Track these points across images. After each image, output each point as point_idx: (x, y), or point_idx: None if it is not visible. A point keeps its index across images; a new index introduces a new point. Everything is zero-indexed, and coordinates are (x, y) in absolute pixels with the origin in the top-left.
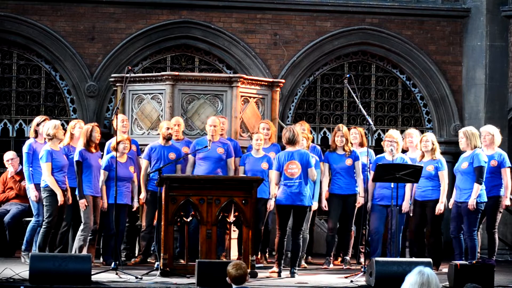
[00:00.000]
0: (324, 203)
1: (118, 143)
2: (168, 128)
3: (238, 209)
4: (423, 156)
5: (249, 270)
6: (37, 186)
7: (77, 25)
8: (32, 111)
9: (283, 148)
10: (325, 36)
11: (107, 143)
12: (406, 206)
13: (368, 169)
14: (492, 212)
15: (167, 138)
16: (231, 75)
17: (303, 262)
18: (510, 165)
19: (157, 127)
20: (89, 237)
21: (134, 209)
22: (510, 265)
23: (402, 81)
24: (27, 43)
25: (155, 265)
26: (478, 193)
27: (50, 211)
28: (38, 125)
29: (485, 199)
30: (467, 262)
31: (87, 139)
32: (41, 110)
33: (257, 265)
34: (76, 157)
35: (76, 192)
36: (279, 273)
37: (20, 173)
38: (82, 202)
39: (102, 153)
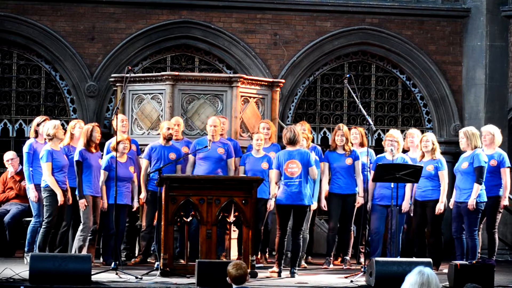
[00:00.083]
0: (324, 202)
1: (118, 143)
2: (168, 128)
3: (238, 209)
4: (423, 156)
5: (249, 270)
6: (37, 187)
7: (77, 25)
8: (32, 111)
9: (283, 148)
10: (325, 36)
11: (107, 143)
12: (406, 206)
13: (369, 169)
14: (492, 212)
15: (168, 138)
16: (231, 75)
17: (303, 262)
18: (509, 165)
19: (157, 127)
20: (89, 237)
21: (134, 209)
22: (510, 265)
23: (402, 81)
24: (27, 43)
25: (155, 265)
26: (478, 193)
27: (50, 211)
28: (38, 125)
29: (485, 199)
30: (467, 262)
31: (87, 139)
32: (41, 110)
33: (257, 265)
34: (76, 157)
35: (76, 192)
36: (279, 273)
37: (20, 173)
38: (82, 202)
39: (102, 153)
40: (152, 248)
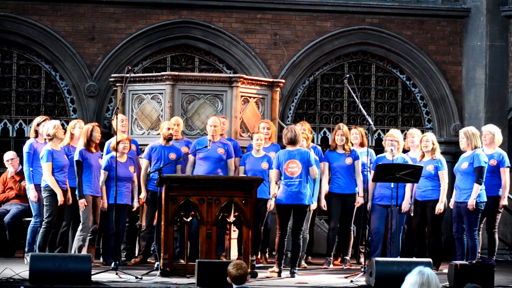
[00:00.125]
0: (323, 202)
1: (118, 143)
2: (169, 129)
3: (238, 209)
4: (423, 156)
5: (249, 270)
6: (37, 187)
7: (77, 25)
8: (32, 111)
9: (283, 148)
10: (325, 36)
11: (107, 143)
12: (406, 205)
13: (369, 169)
14: (492, 212)
15: (168, 139)
16: (231, 75)
17: (303, 262)
18: (509, 165)
19: (157, 127)
20: (89, 237)
21: (135, 209)
22: (510, 265)
23: (402, 81)
24: (27, 43)
25: (155, 265)
26: (477, 193)
27: (50, 211)
28: (38, 125)
29: (485, 199)
30: (467, 262)
31: (88, 139)
32: (41, 110)
33: (257, 265)
34: (76, 156)
35: (76, 192)
36: (279, 273)
37: (20, 173)
38: (81, 202)
39: (102, 153)
40: (152, 248)
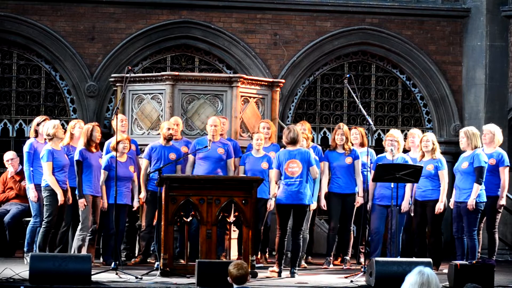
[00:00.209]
0: (323, 202)
1: (118, 143)
2: (169, 129)
3: (238, 209)
4: (423, 156)
5: (249, 270)
6: (37, 187)
7: (77, 25)
8: (32, 111)
9: (282, 148)
10: (325, 36)
11: (106, 143)
12: (405, 205)
13: (369, 169)
14: (492, 212)
15: (168, 139)
16: (231, 75)
17: (303, 262)
18: (508, 164)
19: (157, 127)
20: (88, 237)
21: (135, 208)
22: (510, 265)
23: (402, 81)
24: (27, 43)
25: (155, 265)
26: (477, 193)
27: (50, 211)
28: (38, 125)
29: (485, 199)
30: (467, 262)
31: (88, 138)
32: (41, 110)
33: (257, 265)
34: (76, 156)
35: (76, 192)
36: (279, 273)
37: (20, 173)
38: (81, 202)
39: (102, 153)
40: (151, 248)
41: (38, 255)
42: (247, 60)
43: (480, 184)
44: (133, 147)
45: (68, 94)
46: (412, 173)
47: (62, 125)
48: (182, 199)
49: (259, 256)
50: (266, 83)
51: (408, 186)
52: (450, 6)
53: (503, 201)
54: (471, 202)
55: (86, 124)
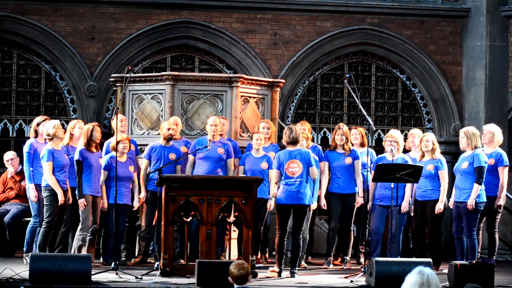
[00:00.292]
0: (323, 202)
1: (117, 143)
2: (169, 129)
3: (238, 209)
4: (423, 156)
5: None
6: (37, 187)
7: (77, 25)
8: (32, 111)
9: (282, 148)
10: (325, 36)
11: (106, 143)
12: (405, 206)
13: (369, 169)
14: (492, 212)
15: (168, 139)
16: (231, 75)
17: (303, 262)
18: (507, 164)
19: (157, 127)
20: (89, 237)
21: (135, 208)
22: (510, 265)
23: (402, 81)
24: (27, 43)
25: (155, 265)
26: (477, 193)
27: (50, 211)
28: (38, 125)
29: (485, 199)
30: (467, 262)
31: (88, 138)
32: (41, 110)
33: (257, 265)
34: (76, 156)
35: (76, 192)
36: (279, 273)
37: (20, 173)
38: (81, 202)
39: (102, 152)
40: (151, 248)
41: (38, 255)
42: (247, 60)
43: (480, 184)
44: (133, 147)
45: (68, 94)
46: (412, 173)
47: (62, 125)
48: (182, 199)
49: (259, 256)
50: (266, 83)
51: (408, 186)
52: (450, 6)
53: (501, 201)
54: (471, 202)
55: (86, 124)
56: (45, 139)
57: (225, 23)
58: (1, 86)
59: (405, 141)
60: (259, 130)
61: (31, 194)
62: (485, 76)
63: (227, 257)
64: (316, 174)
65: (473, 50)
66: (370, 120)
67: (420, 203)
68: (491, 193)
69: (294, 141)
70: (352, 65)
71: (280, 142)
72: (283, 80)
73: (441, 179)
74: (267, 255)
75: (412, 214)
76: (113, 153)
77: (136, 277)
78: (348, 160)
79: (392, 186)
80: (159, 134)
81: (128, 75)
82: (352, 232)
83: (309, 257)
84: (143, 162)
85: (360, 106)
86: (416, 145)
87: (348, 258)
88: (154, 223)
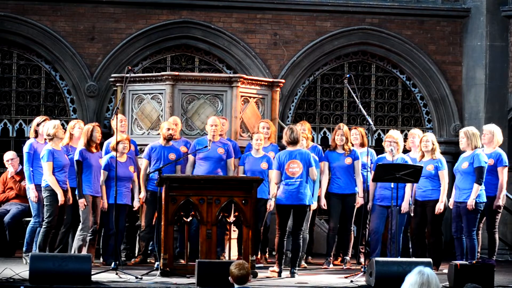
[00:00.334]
0: (324, 201)
1: (117, 143)
2: (168, 129)
3: (238, 209)
4: (423, 156)
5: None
6: (38, 187)
7: (77, 25)
8: (32, 111)
9: (282, 148)
10: (325, 36)
11: (105, 143)
12: (405, 206)
13: (370, 169)
14: (492, 212)
15: (168, 139)
16: (231, 75)
17: (303, 262)
18: (506, 164)
19: (157, 127)
20: (89, 237)
21: (135, 208)
22: (510, 265)
23: (402, 81)
24: (27, 43)
25: (155, 265)
26: (477, 193)
27: (51, 211)
28: (38, 125)
29: (485, 199)
30: (467, 262)
31: (88, 139)
32: (41, 110)
33: (257, 265)
34: (76, 156)
35: (76, 192)
36: (279, 273)
37: (20, 173)
38: (81, 202)
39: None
40: (150, 248)
41: (38, 255)
42: (247, 60)
43: (480, 184)
44: (132, 147)
45: (68, 94)
46: (412, 173)
47: (62, 125)
48: (182, 199)
49: (259, 256)
50: (266, 83)
51: (408, 186)
52: (450, 6)
53: (500, 202)
54: (470, 202)
55: (85, 124)
56: (45, 139)
57: (225, 23)
58: (1, 86)
59: (405, 141)
60: (258, 130)
61: (31, 194)
62: (485, 76)
63: (227, 257)
64: (316, 175)
65: (473, 50)
66: (370, 120)
67: (420, 203)
68: (491, 193)
69: (294, 141)
70: (352, 65)
71: (280, 142)
72: (283, 80)
73: (441, 179)
74: (267, 255)
75: (412, 215)
76: (113, 153)
77: (136, 277)
78: (348, 160)
79: (392, 186)
80: (159, 134)
81: (128, 75)
82: (352, 232)
83: (309, 257)
84: (143, 162)
85: (360, 106)
86: (416, 145)
87: (348, 258)
88: (154, 223)
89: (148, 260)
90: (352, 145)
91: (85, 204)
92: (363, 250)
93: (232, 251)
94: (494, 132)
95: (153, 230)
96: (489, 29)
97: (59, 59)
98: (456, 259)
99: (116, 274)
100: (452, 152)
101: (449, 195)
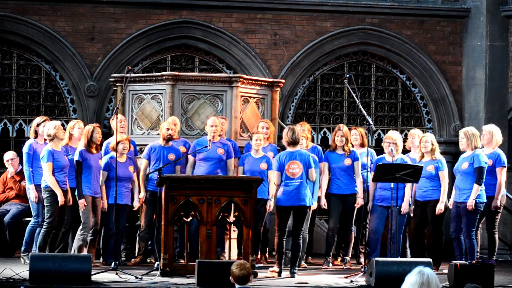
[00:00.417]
0: (324, 201)
1: (117, 143)
2: (168, 129)
3: (238, 209)
4: (422, 156)
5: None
6: (37, 187)
7: (77, 25)
8: (32, 111)
9: (282, 148)
10: (325, 36)
11: (105, 143)
12: (405, 207)
13: (370, 169)
14: (491, 212)
15: (167, 139)
16: (231, 75)
17: (303, 262)
18: (505, 165)
19: (157, 127)
20: (89, 237)
21: (135, 208)
22: (510, 265)
23: (402, 81)
24: (27, 43)
25: (155, 265)
26: (477, 193)
27: (51, 212)
28: (38, 125)
29: (485, 200)
30: (467, 262)
31: (88, 139)
32: (41, 110)
33: (257, 265)
34: (76, 157)
35: (76, 192)
36: (279, 273)
37: (20, 173)
38: (81, 202)
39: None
40: (149, 248)
41: (38, 255)
42: (247, 60)
43: (480, 184)
44: (132, 147)
45: (68, 94)
46: (412, 173)
47: (62, 125)
48: (182, 199)
49: (259, 256)
50: (266, 83)
51: (408, 187)
52: (450, 6)
53: (498, 202)
54: (470, 203)
55: (85, 124)
56: (45, 139)
57: (225, 23)
58: (1, 86)
59: (404, 141)
60: (258, 130)
61: (31, 194)
62: (485, 76)
63: (227, 257)
64: (315, 177)
65: (473, 50)
66: (370, 120)
67: (420, 204)
68: (490, 193)
69: (294, 142)
70: (352, 65)
71: (280, 143)
72: (283, 80)
73: (442, 180)
74: (267, 255)
75: (411, 215)
76: (113, 154)
77: (136, 277)
78: (348, 161)
79: (392, 186)
80: (159, 134)
81: (128, 75)
82: (352, 233)
83: (309, 257)
84: (142, 162)
85: (360, 106)
86: (416, 146)
87: (348, 258)
88: (154, 223)
89: (148, 260)
90: (352, 146)
91: (85, 204)
92: (363, 250)
93: (232, 251)
94: (493, 132)
95: (153, 230)
96: (489, 29)
97: (59, 59)
98: (455, 259)
99: (116, 274)
100: (452, 152)
101: (449, 195)
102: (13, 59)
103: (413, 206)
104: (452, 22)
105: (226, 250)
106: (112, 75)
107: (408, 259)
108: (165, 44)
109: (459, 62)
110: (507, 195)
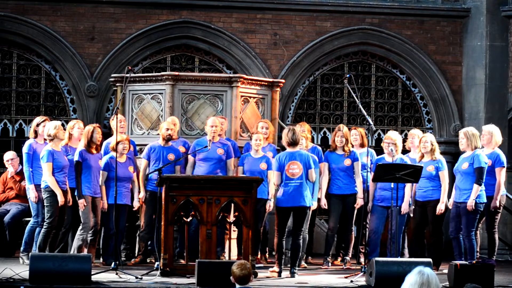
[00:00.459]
0: (324, 201)
1: (117, 144)
2: (168, 129)
3: (238, 209)
4: (422, 156)
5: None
6: (37, 187)
7: (77, 25)
8: (32, 111)
9: (281, 148)
10: (325, 36)
11: (105, 143)
12: (405, 207)
13: (369, 169)
14: (491, 212)
15: (167, 139)
16: (231, 75)
17: (303, 262)
18: (504, 165)
19: (157, 127)
20: (89, 237)
21: (135, 208)
22: (510, 265)
23: (402, 81)
24: (27, 43)
25: (155, 265)
26: (477, 193)
27: (51, 212)
28: (38, 125)
29: (485, 200)
30: (467, 262)
31: (88, 140)
32: (41, 110)
33: (257, 265)
34: (76, 157)
35: (76, 192)
36: (279, 273)
37: (20, 173)
38: (81, 202)
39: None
40: (149, 248)
41: (38, 255)
42: (247, 60)
43: (480, 185)
44: (131, 147)
45: (68, 94)
46: (412, 173)
47: (62, 125)
48: (182, 199)
49: (259, 256)
50: (266, 83)
51: (408, 187)
52: (450, 6)
53: (497, 203)
54: (470, 203)
55: (85, 124)
56: (45, 139)
57: (225, 23)
58: (1, 86)
59: (404, 141)
60: (257, 130)
61: (31, 194)
62: (485, 76)
63: (227, 257)
64: (315, 178)
65: (473, 50)
66: (370, 120)
67: (420, 204)
68: (490, 193)
69: (294, 143)
70: (352, 65)
71: (280, 143)
72: (283, 80)
73: (442, 180)
74: (267, 255)
75: (411, 215)
76: (113, 154)
77: (136, 277)
78: (348, 162)
79: (392, 186)
80: (158, 134)
81: (128, 75)
82: (352, 233)
83: (309, 257)
84: (142, 162)
85: (360, 106)
86: (416, 146)
87: (348, 258)
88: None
89: (148, 260)
90: (352, 146)
91: (84, 204)
92: (363, 250)
93: (232, 251)
94: (493, 132)
95: (153, 230)
96: (489, 29)
97: (59, 59)
98: (455, 259)
99: (116, 274)
100: (452, 152)
101: (449, 195)
102: (13, 59)
103: (413, 206)
104: (452, 22)
105: (226, 250)
106: (112, 75)
107: (408, 259)
108: (165, 44)
109: (459, 62)
110: (507, 195)
